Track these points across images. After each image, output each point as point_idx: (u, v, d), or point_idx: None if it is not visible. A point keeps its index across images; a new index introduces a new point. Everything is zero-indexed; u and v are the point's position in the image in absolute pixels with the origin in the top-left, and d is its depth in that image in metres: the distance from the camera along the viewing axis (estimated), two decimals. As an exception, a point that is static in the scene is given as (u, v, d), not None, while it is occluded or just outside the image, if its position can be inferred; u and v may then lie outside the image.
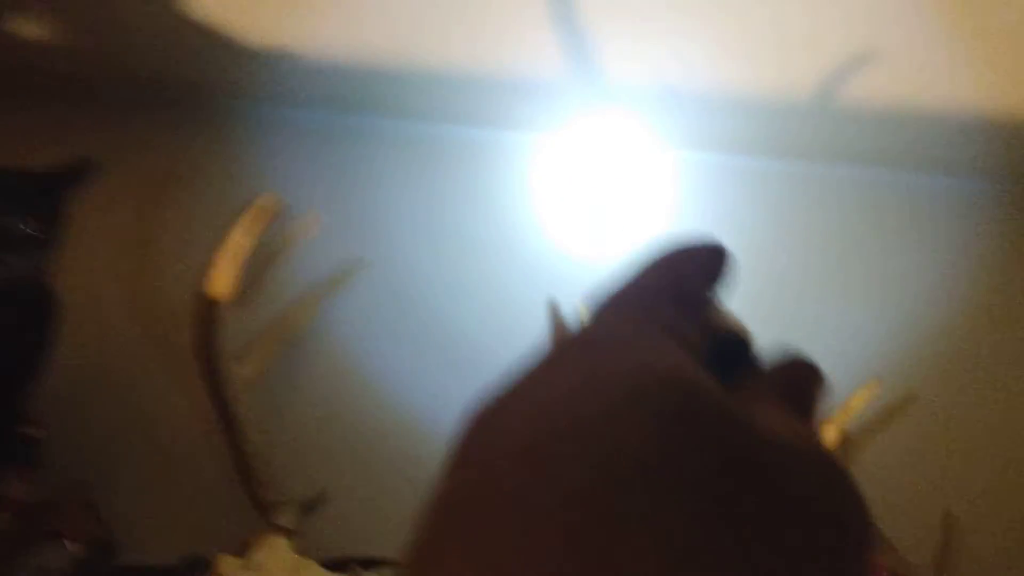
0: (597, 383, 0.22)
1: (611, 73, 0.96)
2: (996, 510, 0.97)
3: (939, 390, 1.00)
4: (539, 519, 0.19)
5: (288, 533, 0.87)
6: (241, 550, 0.88)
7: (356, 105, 1.10)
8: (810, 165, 1.10)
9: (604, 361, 0.23)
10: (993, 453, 0.99)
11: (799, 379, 0.27)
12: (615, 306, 0.26)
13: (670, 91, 0.97)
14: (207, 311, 0.87)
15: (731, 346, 0.28)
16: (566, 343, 0.25)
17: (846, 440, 0.84)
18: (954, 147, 1.01)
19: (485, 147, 1.10)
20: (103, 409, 1.01)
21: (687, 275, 0.28)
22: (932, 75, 0.89)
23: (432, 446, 1.00)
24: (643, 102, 1.00)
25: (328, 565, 0.88)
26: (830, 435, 0.83)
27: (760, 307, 0.98)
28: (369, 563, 0.91)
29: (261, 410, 0.95)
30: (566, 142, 1.10)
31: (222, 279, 0.85)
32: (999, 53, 0.86)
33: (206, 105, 1.11)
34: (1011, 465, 0.99)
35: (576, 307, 0.81)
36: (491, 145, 1.11)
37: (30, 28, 0.99)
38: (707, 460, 0.20)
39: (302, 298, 0.99)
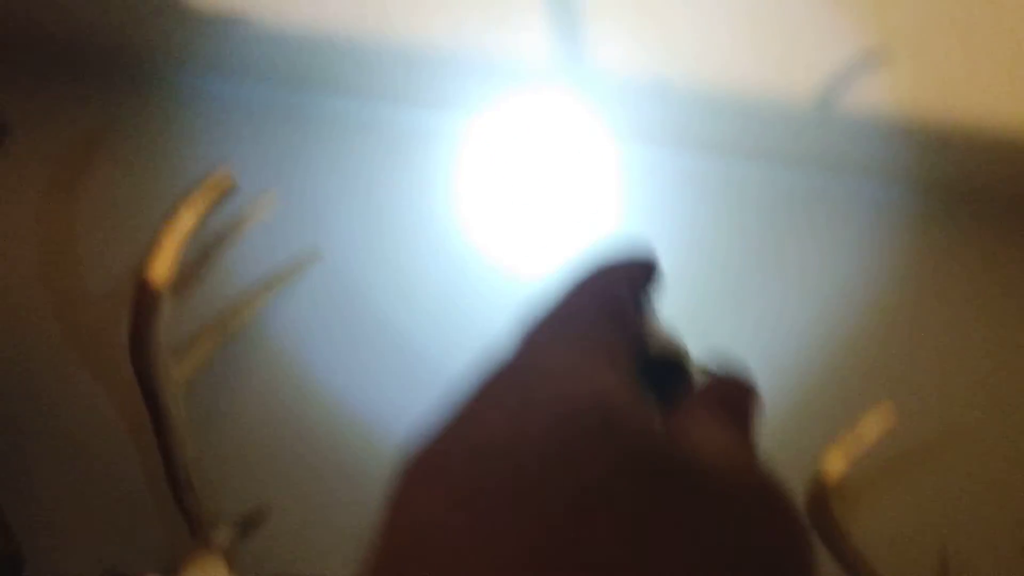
0: (528, 420, 0.22)
1: (599, 63, 0.91)
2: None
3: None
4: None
5: (224, 552, 0.78)
6: (170, 570, 0.80)
7: (294, 81, 1.01)
8: (805, 173, 1.07)
9: (533, 395, 0.22)
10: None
11: (734, 395, 0.27)
12: (545, 328, 0.26)
13: (662, 86, 0.93)
14: (145, 299, 0.78)
15: (665, 362, 0.27)
16: (496, 373, 0.24)
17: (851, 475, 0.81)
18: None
19: (430, 130, 1.03)
20: (13, 409, 0.90)
21: (618, 290, 0.27)
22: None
23: (381, 456, 0.92)
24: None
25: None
26: (838, 464, 0.80)
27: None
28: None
29: (195, 413, 0.86)
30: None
31: (163, 263, 0.76)
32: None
33: (136, 72, 1.00)
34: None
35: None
36: (434, 128, 1.03)
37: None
38: (641, 496, 0.20)
39: (247, 291, 0.90)
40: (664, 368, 0.27)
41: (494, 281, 1.00)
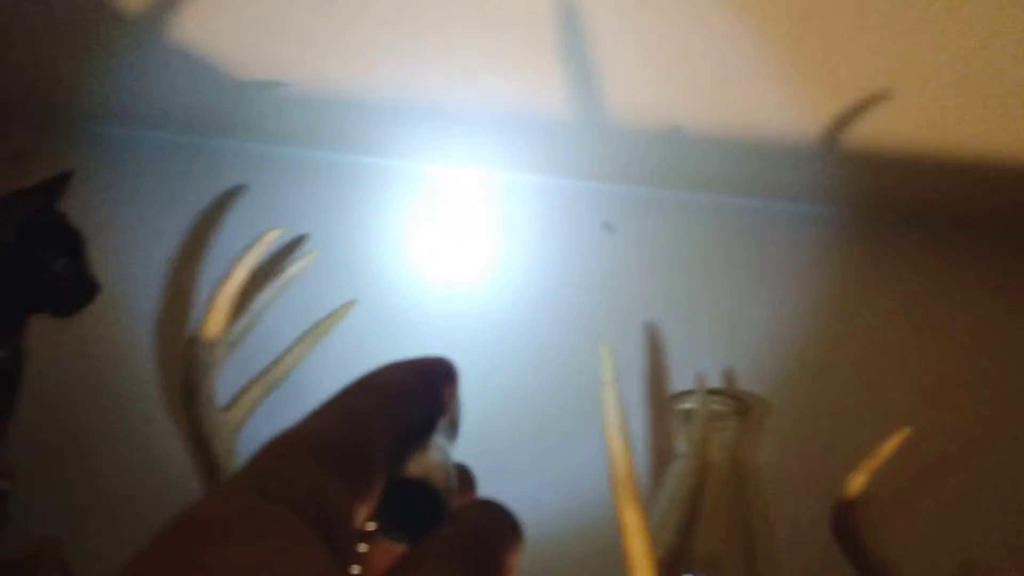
0: None
1: (613, 112, 0.96)
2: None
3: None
4: None
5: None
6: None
7: (351, 144, 1.07)
8: (816, 208, 1.12)
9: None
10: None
11: (486, 531, 0.24)
12: (241, 482, 0.22)
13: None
14: (197, 353, 0.83)
15: (416, 492, 0.25)
16: (163, 538, 0.21)
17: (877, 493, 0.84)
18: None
19: (457, 183, 1.09)
20: (77, 459, 0.95)
21: (381, 415, 0.25)
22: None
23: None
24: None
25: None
26: (858, 482, 0.83)
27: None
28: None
29: (243, 458, 0.90)
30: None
31: (216, 319, 0.81)
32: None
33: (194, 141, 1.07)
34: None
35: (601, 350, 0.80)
36: (485, 185, 1.10)
37: None
38: None
39: (293, 343, 0.95)
40: (415, 500, 0.25)
41: (525, 331, 1.06)
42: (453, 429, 0.30)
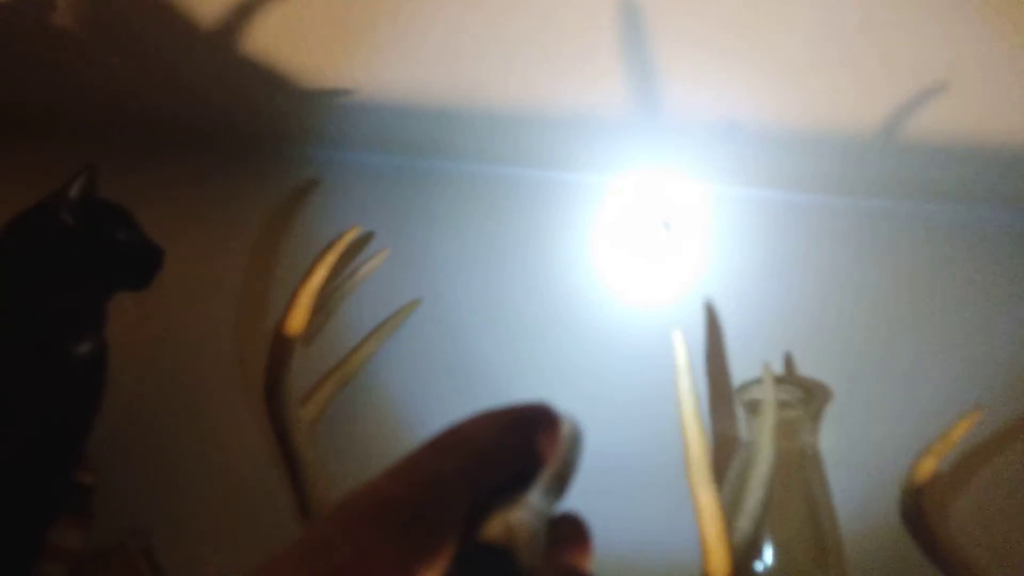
0: None
1: (673, 109, 0.98)
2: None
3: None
4: None
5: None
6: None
7: (418, 148, 1.10)
8: (875, 201, 1.13)
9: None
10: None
11: None
12: (358, 507, 0.23)
13: (733, 127, 0.99)
14: (280, 349, 0.86)
15: (494, 555, 0.25)
16: (283, 559, 0.23)
17: (940, 474, 0.85)
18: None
19: (544, 189, 1.12)
20: (160, 452, 0.99)
21: (485, 463, 0.25)
22: (999, 107, 0.92)
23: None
24: (705, 138, 1.02)
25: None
26: (927, 467, 0.84)
27: (833, 346, 1.03)
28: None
29: (321, 452, 0.93)
30: (626, 183, 1.12)
31: (298, 317, 0.84)
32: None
33: (264, 152, 1.11)
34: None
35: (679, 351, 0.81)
36: (549, 187, 1.12)
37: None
38: None
39: (364, 339, 0.98)
40: (498, 558, 0.25)
41: (595, 328, 1.08)
42: (559, 481, 0.28)
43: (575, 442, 0.29)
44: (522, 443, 0.26)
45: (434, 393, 1.04)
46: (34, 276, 0.80)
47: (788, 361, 1.03)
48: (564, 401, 0.28)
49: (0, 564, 0.79)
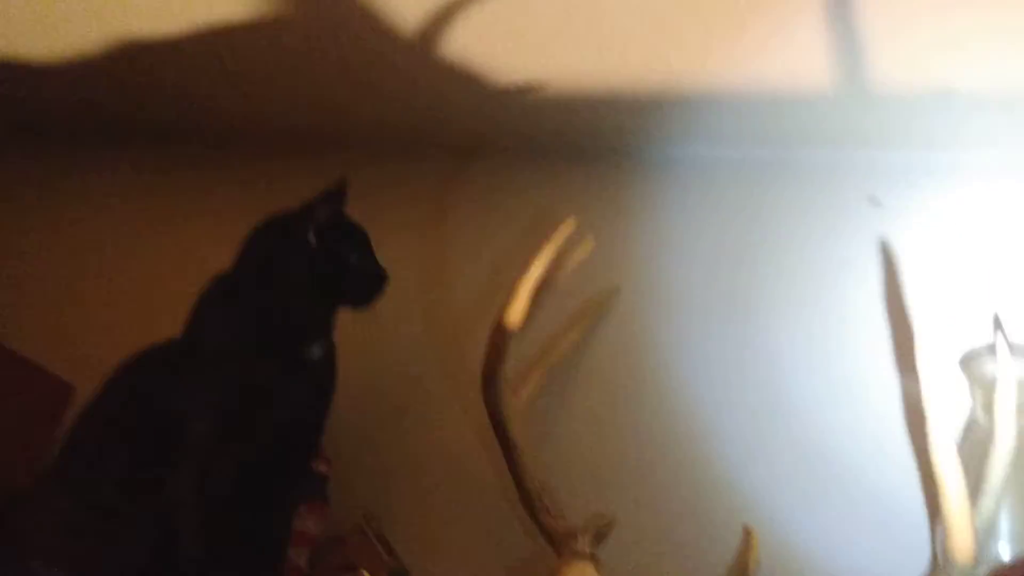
0: None
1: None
2: None
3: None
4: None
5: (593, 559, 0.87)
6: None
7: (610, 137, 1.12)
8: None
9: None
10: None
11: None
12: None
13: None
14: (499, 341, 0.88)
15: None
16: None
17: None
18: None
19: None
20: (388, 442, 1.04)
21: None
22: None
23: (707, 469, 1.01)
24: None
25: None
26: None
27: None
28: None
29: (534, 437, 0.96)
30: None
31: (518, 310, 0.86)
32: None
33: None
34: None
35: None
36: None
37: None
38: None
39: (569, 325, 1.00)
40: None
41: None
42: None
43: None
44: None
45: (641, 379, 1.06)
46: (275, 284, 0.86)
47: (996, 323, 0.98)
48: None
49: (260, 550, 0.86)
